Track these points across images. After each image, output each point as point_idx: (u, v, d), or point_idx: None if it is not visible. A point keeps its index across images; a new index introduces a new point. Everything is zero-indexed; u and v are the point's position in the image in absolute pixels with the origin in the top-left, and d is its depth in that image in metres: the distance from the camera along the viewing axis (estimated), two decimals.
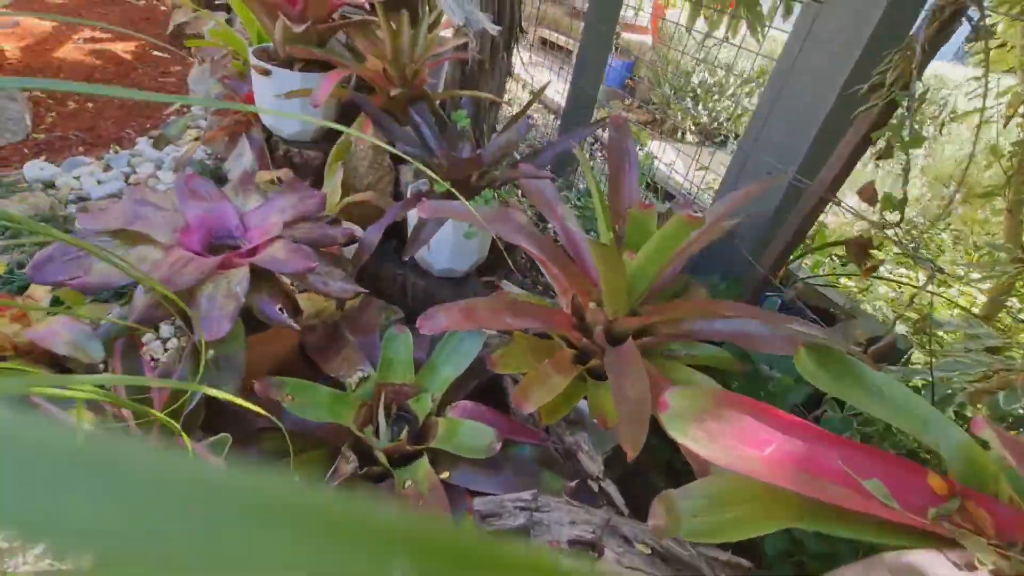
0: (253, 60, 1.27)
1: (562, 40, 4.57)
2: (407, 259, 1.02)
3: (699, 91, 4.50)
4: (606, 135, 2.01)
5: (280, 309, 0.87)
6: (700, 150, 1.71)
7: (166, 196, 0.98)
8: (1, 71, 1.95)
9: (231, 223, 0.98)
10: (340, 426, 0.90)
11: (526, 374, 0.88)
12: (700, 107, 4.67)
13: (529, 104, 1.20)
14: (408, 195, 1.24)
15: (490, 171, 1.15)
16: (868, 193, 0.85)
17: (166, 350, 1.14)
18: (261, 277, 0.88)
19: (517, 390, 0.85)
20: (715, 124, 4.38)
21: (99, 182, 1.50)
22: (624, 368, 0.79)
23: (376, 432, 0.93)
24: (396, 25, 1.15)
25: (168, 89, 2.15)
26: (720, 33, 1.29)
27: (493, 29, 0.97)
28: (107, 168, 1.59)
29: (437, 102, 1.29)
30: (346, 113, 1.45)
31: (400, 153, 0.53)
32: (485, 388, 1.08)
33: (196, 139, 1.79)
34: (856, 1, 0.93)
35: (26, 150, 1.59)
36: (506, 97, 1.57)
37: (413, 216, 1.24)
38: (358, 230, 1.27)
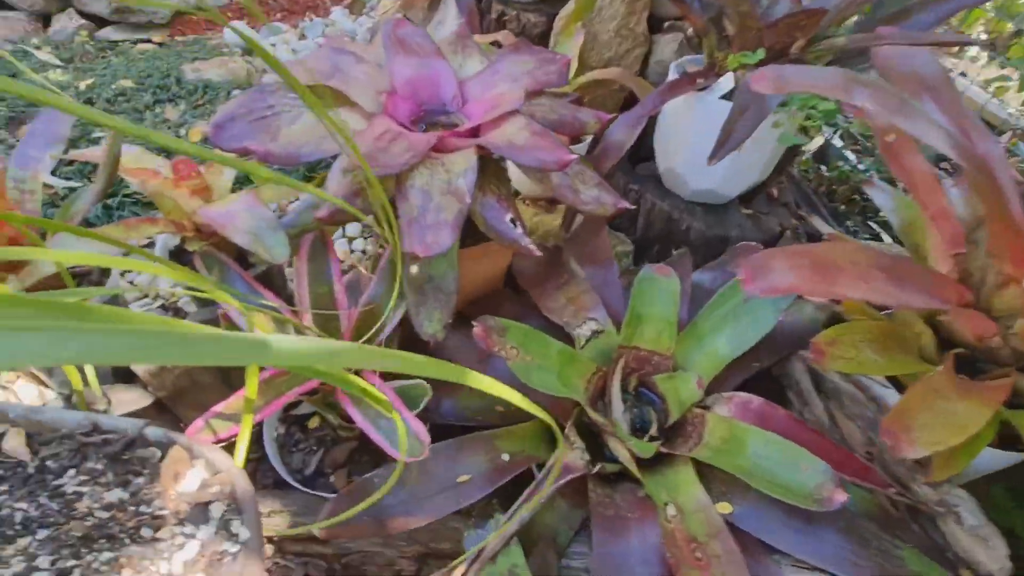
0: None
1: None
2: (662, 167, 0.66)
3: None
4: None
5: (512, 220, 0.58)
6: None
7: (368, 49, 0.73)
8: None
9: (447, 91, 0.70)
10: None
11: (907, 392, 0.51)
12: None
13: None
14: (670, 76, 0.86)
15: (828, 36, 0.71)
16: None
17: (351, 251, 0.96)
18: (488, 170, 0.60)
19: (890, 417, 0.49)
20: None
21: (293, 51, 1.34)
22: None
23: (606, 413, 0.64)
24: None
25: None
26: None
27: None
28: (302, 36, 1.43)
29: None
30: None
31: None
32: (757, 378, 0.72)
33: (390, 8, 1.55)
34: None
35: (229, 13, 1.48)
36: None
37: (672, 110, 0.86)
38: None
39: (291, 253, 0.59)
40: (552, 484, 0.56)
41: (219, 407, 0.52)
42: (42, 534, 0.35)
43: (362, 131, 0.59)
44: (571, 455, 0.61)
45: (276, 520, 0.60)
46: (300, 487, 0.64)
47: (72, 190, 0.77)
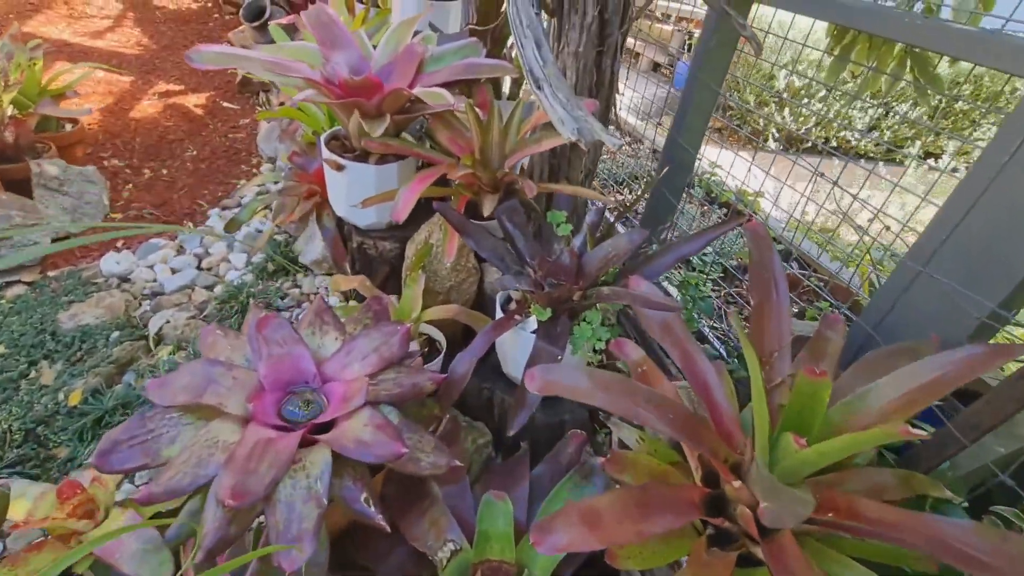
0: (325, 153, 1.15)
1: (638, 46, 4.30)
2: (505, 371, 0.86)
3: (785, 95, 4.10)
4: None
5: (366, 500, 0.74)
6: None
7: (236, 344, 0.88)
8: (84, 137, 1.96)
9: (308, 372, 0.86)
10: None
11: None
12: (786, 113, 4.27)
13: (634, 203, 1.01)
14: (498, 305, 1.09)
15: (595, 287, 0.98)
16: None
17: None
18: (344, 460, 0.76)
19: None
20: (802, 130, 4.01)
21: (173, 270, 1.45)
22: None
23: None
24: (486, 119, 0.99)
25: (238, 146, 2.11)
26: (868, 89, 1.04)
27: (612, 142, 0.79)
28: (180, 250, 1.54)
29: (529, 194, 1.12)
30: (422, 204, 1.32)
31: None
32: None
33: (266, 208, 1.72)
34: None
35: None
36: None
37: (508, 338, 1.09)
38: (436, 359, 1.13)
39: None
40: None
41: None
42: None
43: (235, 446, 0.73)
44: None
45: None
46: None
47: None
